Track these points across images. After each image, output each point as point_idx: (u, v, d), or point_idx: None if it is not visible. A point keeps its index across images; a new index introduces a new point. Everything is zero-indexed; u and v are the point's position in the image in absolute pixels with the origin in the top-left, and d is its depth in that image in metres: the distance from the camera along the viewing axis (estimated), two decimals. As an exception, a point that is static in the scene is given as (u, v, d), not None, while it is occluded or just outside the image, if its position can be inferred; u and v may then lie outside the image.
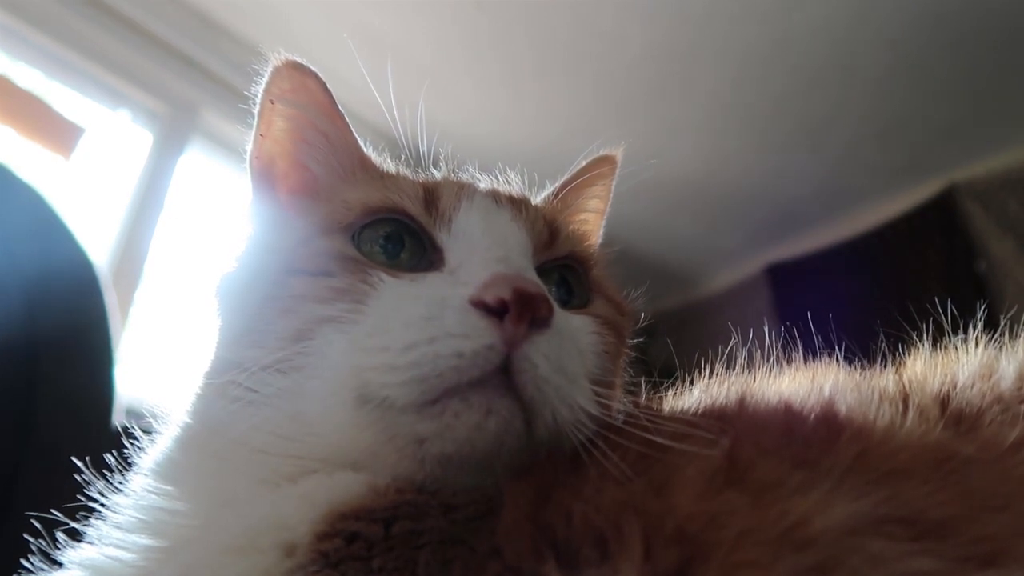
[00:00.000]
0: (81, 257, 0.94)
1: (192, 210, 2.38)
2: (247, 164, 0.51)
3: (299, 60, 0.50)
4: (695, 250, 3.54)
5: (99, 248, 2.08)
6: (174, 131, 2.38)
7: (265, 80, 0.50)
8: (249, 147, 0.51)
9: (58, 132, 2.07)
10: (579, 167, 0.59)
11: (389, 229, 0.44)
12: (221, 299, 0.48)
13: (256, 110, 0.50)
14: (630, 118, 2.59)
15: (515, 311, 0.35)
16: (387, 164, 0.53)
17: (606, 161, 0.60)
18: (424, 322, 0.36)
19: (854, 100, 2.58)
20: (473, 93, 2.57)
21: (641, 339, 0.54)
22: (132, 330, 2.10)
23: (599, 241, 0.62)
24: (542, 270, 0.46)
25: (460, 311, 0.36)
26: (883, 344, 0.46)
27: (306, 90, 0.50)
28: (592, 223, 0.61)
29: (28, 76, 2.17)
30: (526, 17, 2.16)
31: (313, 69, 0.50)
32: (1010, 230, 2.74)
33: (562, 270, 0.48)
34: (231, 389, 0.40)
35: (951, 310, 0.45)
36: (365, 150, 0.52)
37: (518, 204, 0.48)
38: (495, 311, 0.35)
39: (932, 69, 2.45)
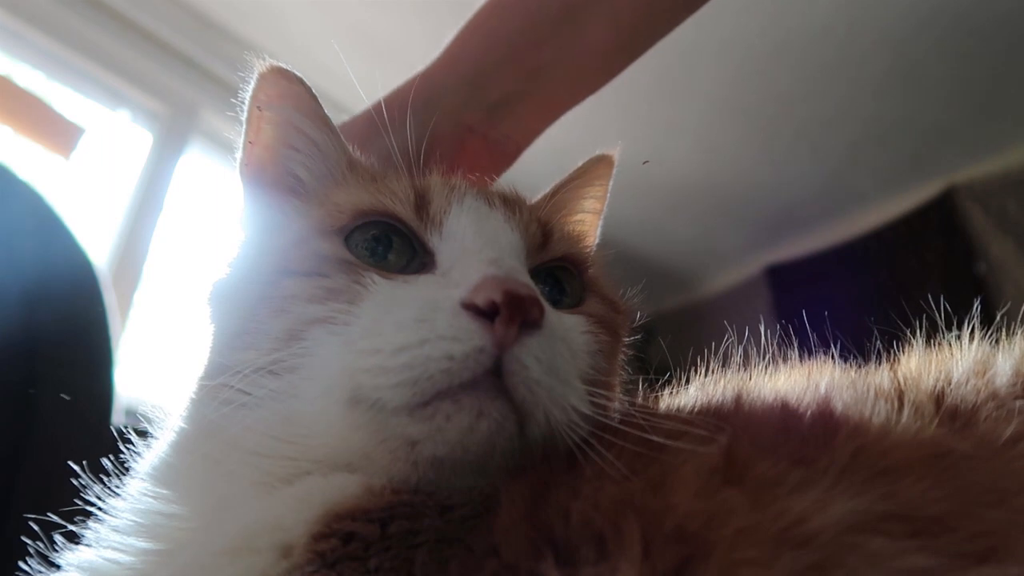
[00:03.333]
0: (81, 258, 0.94)
1: (192, 210, 2.38)
2: (238, 170, 0.52)
3: (284, 66, 0.50)
4: (695, 251, 3.54)
5: (99, 248, 2.08)
6: (174, 131, 2.39)
7: (251, 86, 0.50)
8: (239, 154, 0.51)
9: (58, 132, 2.07)
10: (576, 167, 0.59)
11: (376, 231, 0.44)
12: (214, 304, 0.48)
13: (244, 117, 0.51)
14: (629, 119, 2.59)
15: (505, 313, 0.35)
16: (376, 166, 0.53)
17: (603, 161, 0.60)
18: (415, 324, 0.36)
19: (854, 101, 2.59)
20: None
21: (639, 336, 0.54)
22: (131, 330, 2.10)
23: (596, 242, 0.62)
24: (536, 271, 0.46)
25: (451, 314, 0.36)
26: (880, 343, 0.46)
27: (293, 95, 0.50)
28: (589, 224, 0.61)
29: (28, 76, 2.17)
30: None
31: (298, 74, 0.50)
32: (1010, 231, 2.74)
33: (556, 271, 0.48)
34: (224, 392, 0.40)
35: (948, 310, 0.45)
36: (354, 153, 0.52)
37: (511, 205, 0.48)
38: (486, 313, 0.35)
39: (932, 71, 2.45)
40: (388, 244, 0.43)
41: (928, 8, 2.21)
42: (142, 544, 0.38)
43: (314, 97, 0.50)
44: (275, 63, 0.50)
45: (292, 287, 0.42)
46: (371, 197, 0.45)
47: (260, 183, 0.52)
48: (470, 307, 0.35)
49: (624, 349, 0.52)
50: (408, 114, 0.58)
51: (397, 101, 0.64)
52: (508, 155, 0.69)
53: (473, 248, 0.42)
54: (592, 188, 0.60)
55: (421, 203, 0.45)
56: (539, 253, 0.47)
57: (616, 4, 0.63)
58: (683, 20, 0.67)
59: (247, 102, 0.50)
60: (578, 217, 0.60)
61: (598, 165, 0.59)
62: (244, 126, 0.51)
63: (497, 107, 0.65)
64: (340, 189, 0.49)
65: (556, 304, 0.46)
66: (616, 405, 0.45)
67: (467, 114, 0.65)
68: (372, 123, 0.63)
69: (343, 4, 2.27)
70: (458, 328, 0.35)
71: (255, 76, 0.50)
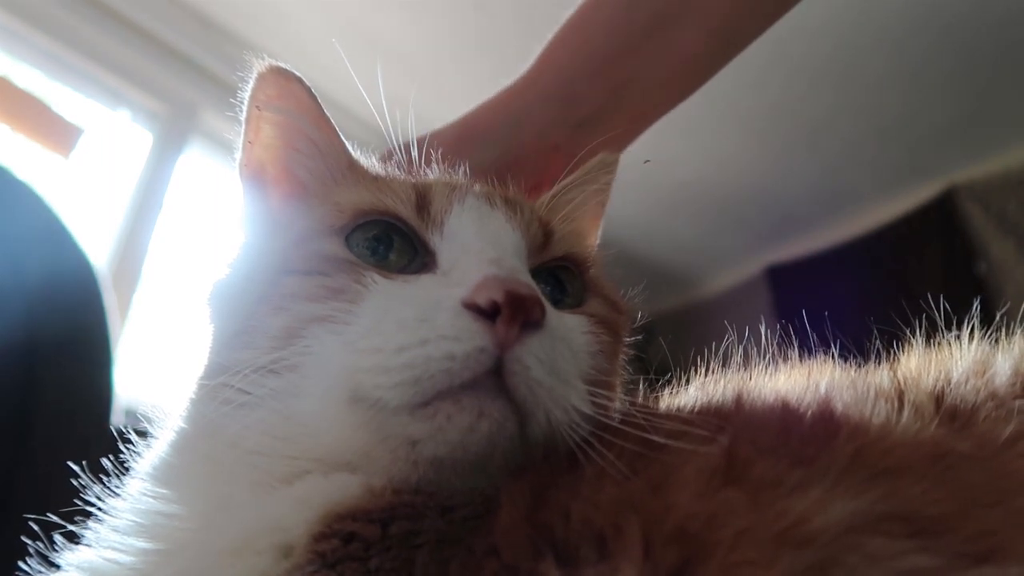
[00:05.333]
0: (83, 260, 0.94)
1: (191, 210, 2.38)
2: (237, 171, 0.52)
3: (284, 66, 0.50)
4: (695, 251, 3.54)
5: (99, 248, 2.08)
6: (174, 131, 2.39)
7: (250, 86, 0.50)
8: (238, 154, 0.51)
9: (58, 132, 2.07)
10: (578, 168, 0.58)
11: (377, 230, 0.44)
12: (214, 304, 0.48)
13: (243, 117, 0.51)
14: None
15: (507, 313, 0.35)
16: (376, 166, 0.53)
17: (605, 162, 0.59)
18: (416, 324, 0.36)
19: (854, 101, 2.59)
20: (479, 95, 2.56)
21: (640, 336, 0.54)
22: (131, 330, 2.10)
23: (597, 242, 0.62)
24: (537, 271, 0.46)
25: (452, 313, 0.36)
26: (880, 343, 0.46)
27: (292, 95, 0.50)
28: (590, 224, 0.61)
29: (28, 76, 2.17)
30: (526, 16, 2.16)
31: (298, 74, 0.50)
32: (1010, 231, 2.74)
33: (557, 271, 0.48)
34: (224, 392, 0.40)
35: (947, 309, 0.45)
36: (353, 153, 0.52)
37: (513, 205, 0.48)
38: (487, 313, 0.35)
39: (932, 70, 2.45)
40: (389, 244, 0.43)
41: (928, 8, 2.21)
42: (142, 544, 0.38)
43: (314, 97, 0.50)
44: (274, 63, 0.50)
45: (292, 285, 0.42)
46: (372, 196, 0.45)
47: (260, 183, 0.52)
48: (471, 307, 0.35)
49: (625, 349, 0.52)
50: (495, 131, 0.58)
51: (485, 117, 0.65)
52: None
53: (474, 248, 0.42)
54: (594, 188, 0.60)
55: (422, 203, 0.45)
56: (540, 253, 0.47)
57: (706, 9, 0.62)
58: (774, 21, 0.65)
59: (246, 102, 0.50)
60: (579, 217, 0.59)
61: (600, 166, 0.59)
62: (243, 126, 0.51)
63: (585, 124, 0.64)
64: (340, 188, 0.48)
65: (557, 304, 0.46)
66: (617, 405, 0.45)
67: (554, 133, 0.64)
68: (459, 137, 0.63)
69: (343, 4, 2.27)
70: (459, 328, 0.35)
71: (254, 76, 0.50)
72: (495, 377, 0.35)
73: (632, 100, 0.65)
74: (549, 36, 0.67)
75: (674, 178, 2.94)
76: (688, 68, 0.65)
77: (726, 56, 0.66)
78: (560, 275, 0.48)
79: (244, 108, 0.50)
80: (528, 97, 0.65)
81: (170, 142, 2.38)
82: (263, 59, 0.49)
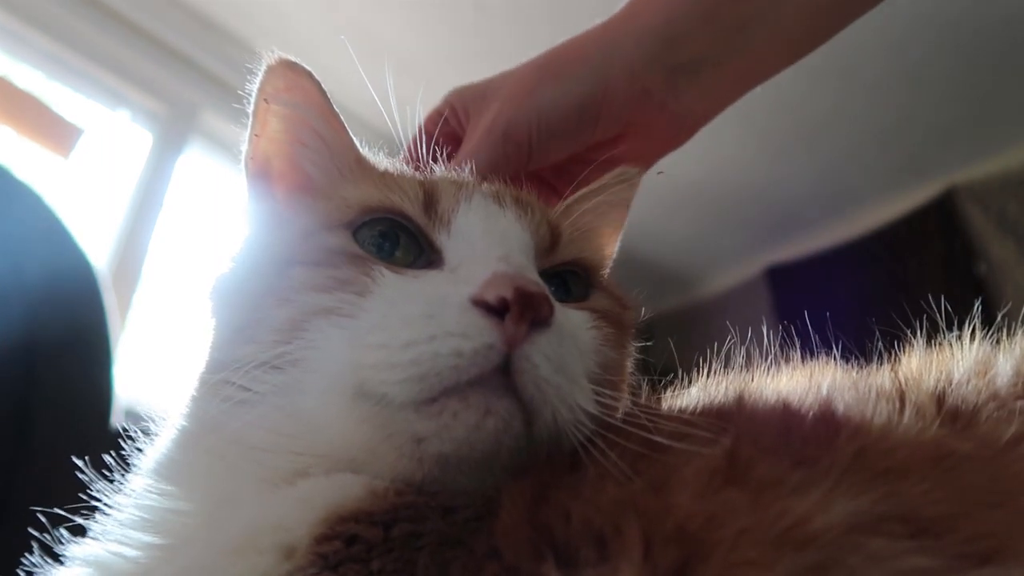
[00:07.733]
0: (83, 261, 0.95)
1: (191, 210, 2.38)
2: (242, 164, 0.51)
3: (293, 59, 0.49)
4: (694, 252, 3.54)
5: (98, 248, 2.08)
6: (173, 131, 2.39)
7: (259, 79, 0.49)
8: (244, 148, 0.51)
9: (57, 132, 2.07)
10: (600, 180, 0.55)
11: (383, 227, 0.44)
12: (216, 299, 0.48)
13: (250, 110, 0.50)
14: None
15: (516, 310, 0.34)
16: (383, 162, 0.53)
17: (625, 175, 0.57)
18: (424, 320, 0.36)
19: (854, 102, 2.59)
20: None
21: (644, 339, 0.54)
22: (131, 330, 2.10)
23: (613, 254, 0.60)
24: (544, 275, 0.45)
25: (460, 309, 0.35)
26: (881, 344, 0.46)
27: (301, 89, 0.49)
28: (606, 236, 0.59)
29: (28, 76, 2.17)
30: (525, 18, 2.16)
31: (307, 68, 0.49)
32: (1010, 232, 2.75)
33: (565, 275, 0.48)
34: (225, 388, 0.40)
35: (949, 310, 0.45)
36: (361, 149, 0.52)
37: (522, 205, 0.47)
38: (496, 310, 0.35)
39: (932, 71, 2.46)
40: (395, 241, 0.43)
41: (928, 8, 2.21)
42: (147, 538, 0.38)
43: (322, 91, 0.50)
44: (284, 56, 0.49)
45: (299, 276, 0.41)
46: (379, 193, 0.45)
47: (265, 177, 0.51)
48: (480, 303, 0.35)
49: (632, 348, 0.51)
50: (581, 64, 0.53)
51: (572, 47, 0.59)
52: (686, 130, 0.61)
53: (482, 245, 0.41)
54: (613, 201, 0.56)
55: (429, 201, 0.45)
56: (548, 255, 0.47)
57: None
58: None
59: (254, 95, 0.50)
60: (592, 226, 0.55)
61: (620, 179, 0.56)
62: (250, 119, 0.50)
63: (683, 70, 0.57)
64: (347, 184, 0.48)
65: (562, 301, 0.45)
66: (623, 404, 0.45)
67: (647, 73, 0.56)
68: (541, 70, 0.58)
69: (343, 4, 2.28)
70: (467, 324, 0.35)
71: (263, 68, 0.49)
72: (502, 375, 0.34)
73: (740, 52, 0.58)
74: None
75: (673, 178, 2.93)
76: (810, 19, 0.58)
77: (849, 13, 0.59)
78: (567, 279, 0.47)
79: (251, 101, 0.50)
80: (624, 28, 0.57)
81: (170, 142, 2.38)
82: (272, 52, 0.49)
